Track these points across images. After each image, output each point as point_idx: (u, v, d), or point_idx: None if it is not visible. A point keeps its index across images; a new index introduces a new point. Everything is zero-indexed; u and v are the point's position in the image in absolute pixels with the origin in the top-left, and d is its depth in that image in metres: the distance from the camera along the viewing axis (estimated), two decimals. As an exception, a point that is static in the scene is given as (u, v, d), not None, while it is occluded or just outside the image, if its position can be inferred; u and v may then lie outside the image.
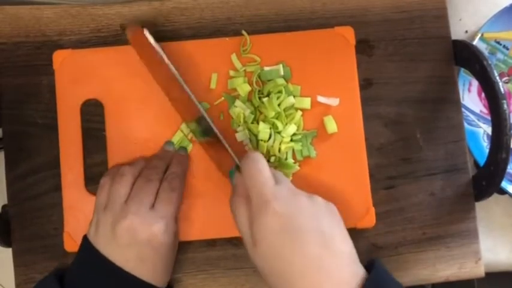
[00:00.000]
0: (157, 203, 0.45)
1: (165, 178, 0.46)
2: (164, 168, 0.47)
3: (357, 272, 0.40)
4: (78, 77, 0.51)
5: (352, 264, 0.41)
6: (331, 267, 0.39)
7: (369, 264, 0.42)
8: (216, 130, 0.46)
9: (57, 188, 0.50)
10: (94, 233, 0.44)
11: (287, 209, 0.40)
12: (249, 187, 0.42)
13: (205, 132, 0.48)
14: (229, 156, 0.46)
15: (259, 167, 0.42)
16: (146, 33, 0.48)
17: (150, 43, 0.48)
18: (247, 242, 0.42)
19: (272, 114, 0.48)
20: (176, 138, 0.50)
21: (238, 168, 0.44)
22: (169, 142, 0.50)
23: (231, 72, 0.51)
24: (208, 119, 0.47)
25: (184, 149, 0.50)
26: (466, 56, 0.50)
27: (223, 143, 0.46)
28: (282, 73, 0.50)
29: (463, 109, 0.52)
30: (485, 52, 0.55)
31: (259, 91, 0.50)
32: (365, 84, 0.51)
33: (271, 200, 0.40)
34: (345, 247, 0.41)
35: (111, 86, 0.51)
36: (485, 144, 0.55)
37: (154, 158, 0.48)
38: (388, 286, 0.41)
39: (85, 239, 0.45)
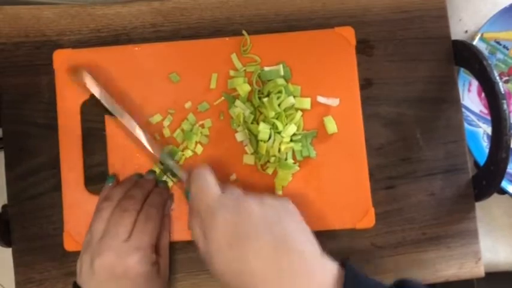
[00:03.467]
0: (133, 234, 0.44)
1: (142, 208, 0.46)
2: (142, 198, 0.46)
3: (322, 264, 0.39)
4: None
5: (313, 257, 0.39)
6: (292, 269, 0.38)
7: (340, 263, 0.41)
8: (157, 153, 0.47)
9: (57, 188, 0.50)
10: (79, 273, 0.44)
11: (234, 218, 0.39)
12: (197, 202, 0.42)
13: (169, 173, 0.48)
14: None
15: (204, 180, 0.42)
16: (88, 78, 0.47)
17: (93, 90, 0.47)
18: (207, 261, 0.41)
19: (272, 114, 0.48)
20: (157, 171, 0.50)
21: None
22: (150, 171, 0.50)
23: (231, 72, 0.51)
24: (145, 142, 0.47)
25: (165, 182, 0.49)
26: (466, 56, 0.50)
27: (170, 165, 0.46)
28: (282, 73, 0.50)
29: (463, 109, 0.52)
30: (485, 52, 0.55)
31: (259, 91, 0.50)
32: (365, 84, 0.51)
33: (217, 209, 0.40)
34: (301, 243, 0.40)
35: (111, 85, 0.51)
36: (485, 144, 0.55)
37: (133, 188, 0.47)
38: (365, 280, 0.39)
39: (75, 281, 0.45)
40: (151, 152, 0.47)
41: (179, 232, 0.49)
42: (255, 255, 0.38)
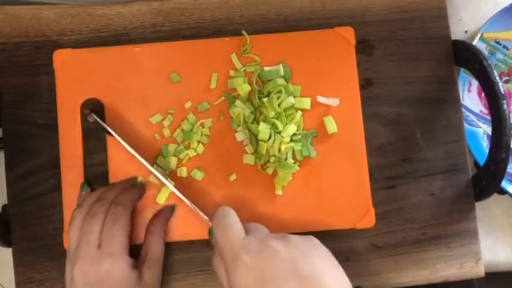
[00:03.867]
0: (102, 239, 0.43)
1: (109, 210, 0.45)
2: (112, 199, 0.46)
3: None
4: (79, 76, 0.51)
5: None
6: None
7: None
8: (186, 201, 0.47)
9: (57, 188, 0.50)
10: (65, 282, 0.44)
11: (258, 260, 0.38)
12: (221, 244, 0.41)
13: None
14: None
15: (228, 222, 0.41)
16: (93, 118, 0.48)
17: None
18: None
19: (272, 114, 0.48)
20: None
21: None
22: (134, 177, 0.49)
23: (231, 72, 0.51)
24: (174, 190, 0.47)
25: (141, 184, 0.49)
26: (466, 56, 0.50)
27: (195, 210, 0.46)
28: (282, 73, 0.50)
29: (463, 109, 0.52)
30: (485, 52, 0.55)
31: (259, 91, 0.50)
32: (365, 84, 0.51)
33: (241, 253, 0.38)
34: (332, 283, 0.38)
35: (111, 85, 0.51)
36: (485, 144, 0.55)
37: (105, 190, 0.47)
38: None
39: None
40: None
41: (179, 232, 0.49)
42: None
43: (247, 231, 0.41)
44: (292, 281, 0.37)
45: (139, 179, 0.49)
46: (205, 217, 0.46)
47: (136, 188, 0.49)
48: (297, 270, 0.37)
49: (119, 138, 0.48)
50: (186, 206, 0.48)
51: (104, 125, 0.48)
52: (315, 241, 0.41)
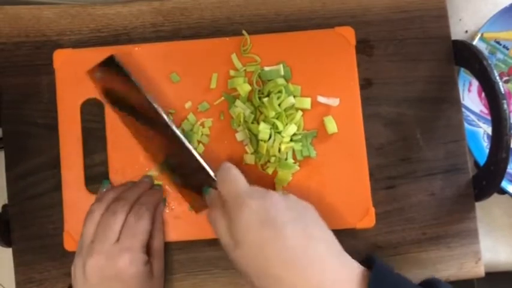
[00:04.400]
0: (122, 235, 0.44)
1: (132, 209, 0.46)
2: (133, 200, 0.47)
3: (346, 259, 0.41)
4: (79, 76, 0.51)
5: (338, 250, 0.41)
6: (315, 256, 0.39)
7: (367, 260, 0.42)
8: (192, 149, 0.47)
9: (57, 188, 0.50)
10: (73, 277, 0.44)
11: (263, 205, 0.40)
12: (225, 194, 0.43)
13: (176, 167, 0.48)
14: (199, 195, 0.46)
15: (233, 174, 0.43)
16: (118, 60, 0.48)
17: (123, 74, 0.48)
18: (229, 248, 0.41)
19: (272, 114, 0.48)
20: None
21: (211, 186, 0.46)
22: (146, 176, 0.50)
23: (231, 72, 0.51)
24: (182, 137, 0.47)
25: (159, 185, 0.50)
26: (466, 56, 0.50)
27: (198, 161, 0.47)
28: (282, 73, 0.50)
29: (463, 109, 0.52)
30: (485, 52, 0.55)
31: (259, 91, 0.50)
32: (365, 84, 0.51)
33: (246, 198, 0.41)
34: (325, 234, 0.41)
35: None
36: (485, 144, 0.55)
37: (124, 190, 0.48)
38: (393, 279, 0.40)
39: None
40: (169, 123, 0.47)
41: (179, 232, 0.49)
42: (283, 238, 0.39)
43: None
44: (294, 226, 0.39)
45: (155, 181, 0.50)
46: (210, 170, 0.46)
47: (156, 191, 0.49)
48: (296, 218, 0.40)
49: (137, 84, 0.48)
50: (186, 205, 0.49)
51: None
52: (311, 207, 0.43)
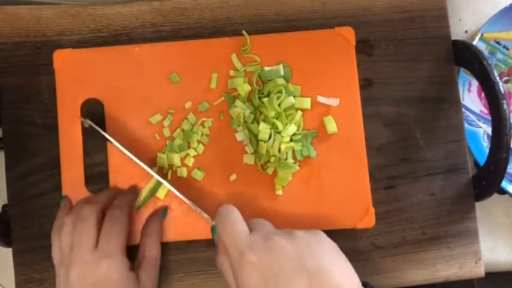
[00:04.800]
0: (99, 240, 0.43)
1: (107, 213, 0.45)
2: (102, 202, 0.46)
3: None
4: (79, 76, 0.51)
5: (350, 286, 0.38)
6: None
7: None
8: (190, 203, 0.47)
9: (57, 188, 0.50)
10: None
11: (264, 258, 0.38)
12: (225, 243, 0.40)
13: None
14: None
15: (231, 221, 0.41)
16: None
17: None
18: None
19: (272, 114, 0.48)
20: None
21: None
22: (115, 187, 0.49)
23: (231, 72, 0.51)
24: (176, 192, 0.47)
25: (134, 187, 0.49)
26: (466, 56, 0.50)
27: (196, 210, 0.46)
28: (282, 73, 0.50)
29: (463, 109, 0.52)
30: (485, 52, 0.55)
31: (259, 91, 0.50)
32: (365, 84, 0.51)
33: (246, 251, 0.38)
34: (341, 278, 0.38)
35: (111, 85, 0.51)
36: (485, 144, 0.55)
37: (91, 195, 0.48)
38: None
39: None
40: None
41: (179, 232, 0.49)
42: None
43: (251, 228, 0.41)
44: (300, 278, 0.37)
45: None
46: (207, 216, 0.46)
47: (130, 191, 0.49)
48: (304, 267, 0.37)
49: (116, 144, 0.48)
50: (185, 205, 0.48)
51: (100, 130, 0.48)
52: (322, 235, 0.41)
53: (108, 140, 0.48)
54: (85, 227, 0.44)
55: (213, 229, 0.44)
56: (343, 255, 0.40)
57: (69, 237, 0.44)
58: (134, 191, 0.49)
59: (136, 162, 0.48)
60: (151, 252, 0.47)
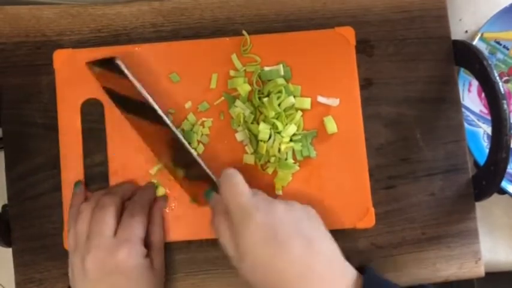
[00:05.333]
0: (119, 229, 0.44)
1: (126, 206, 0.47)
2: (122, 195, 0.47)
3: (345, 268, 0.42)
4: (79, 76, 0.51)
5: (338, 261, 0.42)
6: (317, 267, 0.40)
7: (360, 268, 0.43)
8: (194, 155, 0.47)
9: (57, 188, 0.50)
10: (71, 278, 0.45)
11: (268, 219, 0.41)
12: (228, 201, 0.42)
13: (181, 163, 0.48)
14: (204, 183, 0.46)
15: (236, 181, 0.43)
16: (120, 63, 0.47)
17: (123, 76, 0.47)
18: (234, 258, 0.42)
19: (272, 114, 0.48)
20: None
21: (214, 189, 0.46)
22: (150, 182, 0.50)
23: (231, 72, 0.51)
24: (184, 141, 0.47)
25: (151, 182, 0.50)
26: (466, 56, 0.50)
27: (200, 166, 0.47)
28: (282, 73, 0.50)
29: (463, 109, 0.52)
30: (485, 52, 0.55)
31: (259, 91, 0.50)
32: (365, 84, 0.51)
33: (253, 212, 0.41)
34: (327, 246, 0.42)
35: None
36: (485, 144, 0.55)
37: (111, 186, 0.49)
38: (385, 284, 0.43)
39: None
40: (173, 129, 0.47)
41: (179, 232, 0.49)
42: (287, 252, 0.40)
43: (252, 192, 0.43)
44: (297, 240, 0.40)
45: (154, 180, 0.50)
46: (213, 176, 0.46)
47: (149, 187, 0.49)
48: (299, 231, 0.41)
49: (134, 82, 0.47)
50: (185, 205, 0.48)
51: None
52: (313, 212, 0.44)
53: (137, 88, 0.47)
54: (105, 215, 0.44)
55: (208, 192, 0.46)
56: (328, 232, 0.44)
57: (86, 225, 0.45)
58: (152, 188, 0.49)
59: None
60: (158, 238, 0.48)
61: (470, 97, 0.56)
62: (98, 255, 0.43)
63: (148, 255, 0.45)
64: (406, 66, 0.52)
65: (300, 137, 0.49)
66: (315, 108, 0.50)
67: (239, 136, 0.50)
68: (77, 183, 0.49)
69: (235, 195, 0.42)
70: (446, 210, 0.50)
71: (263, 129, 0.48)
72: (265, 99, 0.49)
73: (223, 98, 0.51)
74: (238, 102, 0.50)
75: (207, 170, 0.47)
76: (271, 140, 0.48)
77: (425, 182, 0.51)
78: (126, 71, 0.47)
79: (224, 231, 0.42)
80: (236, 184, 0.43)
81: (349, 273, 0.41)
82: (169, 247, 0.49)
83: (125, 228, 0.44)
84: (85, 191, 0.49)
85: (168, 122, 0.47)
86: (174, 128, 0.47)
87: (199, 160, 0.47)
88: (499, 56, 0.56)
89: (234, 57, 0.51)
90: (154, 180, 0.49)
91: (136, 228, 0.45)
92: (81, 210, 0.46)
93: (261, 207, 0.41)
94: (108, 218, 0.44)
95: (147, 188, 0.49)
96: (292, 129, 0.48)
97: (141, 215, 0.46)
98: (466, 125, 0.52)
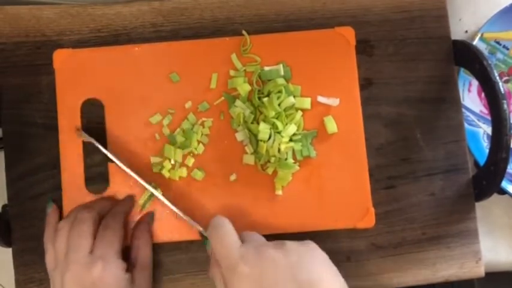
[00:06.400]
0: (94, 244, 0.44)
1: (102, 221, 0.46)
2: (100, 209, 0.47)
3: None
4: (79, 76, 0.51)
5: None
6: None
7: None
8: (180, 214, 0.47)
9: (57, 188, 0.50)
10: None
11: (255, 269, 0.38)
12: (217, 254, 0.41)
13: None
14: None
15: (223, 232, 0.41)
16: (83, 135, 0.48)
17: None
18: None
19: (272, 114, 0.48)
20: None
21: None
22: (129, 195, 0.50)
23: (231, 72, 0.51)
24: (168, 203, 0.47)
25: (130, 197, 0.49)
26: (466, 56, 0.50)
27: (189, 222, 0.47)
28: (282, 73, 0.50)
29: (463, 109, 0.52)
30: (485, 52, 0.55)
31: (259, 91, 0.50)
32: (365, 84, 0.51)
33: (238, 263, 0.39)
34: (334, 278, 0.39)
35: (111, 85, 0.51)
36: (485, 144, 0.55)
37: (88, 202, 0.48)
38: None
39: None
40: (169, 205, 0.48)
41: (179, 232, 0.49)
42: None
43: (242, 240, 0.41)
44: (289, 286, 0.37)
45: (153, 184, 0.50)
46: (199, 227, 0.46)
47: (126, 201, 0.49)
48: (295, 277, 0.37)
49: (116, 161, 0.48)
50: (186, 205, 0.48)
51: (99, 146, 0.48)
52: (313, 246, 0.41)
53: (109, 158, 0.48)
54: (82, 230, 0.44)
55: (205, 241, 0.44)
56: (333, 266, 0.40)
57: (64, 241, 0.44)
58: (130, 200, 0.49)
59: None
60: (143, 254, 0.47)
61: (470, 97, 0.56)
62: (75, 272, 0.42)
63: (128, 270, 0.45)
64: (406, 66, 0.52)
65: (300, 137, 0.49)
66: (315, 108, 0.50)
67: (239, 136, 0.50)
68: (49, 202, 0.49)
69: (222, 246, 0.40)
70: (446, 210, 0.50)
71: (263, 129, 0.48)
72: (265, 99, 0.49)
73: (223, 98, 0.51)
74: (238, 102, 0.50)
75: (195, 224, 0.46)
76: (271, 140, 0.48)
77: (425, 182, 0.51)
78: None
79: (219, 282, 0.41)
80: (223, 235, 0.41)
81: None
82: (168, 247, 0.49)
83: (99, 243, 0.44)
84: (57, 210, 0.49)
85: (150, 188, 0.48)
86: (157, 194, 0.48)
87: (183, 215, 0.47)
88: (499, 56, 0.56)
89: (233, 57, 0.51)
90: (153, 184, 0.49)
91: (110, 242, 0.44)
92: (59, 228, 0.45)
93: (247, 258, 0.39)
94: (86, 232, 0.44)
95: (124, 201, 0.49)
96: (292, 129, 0.48)
97: (114, 226, 0.45)
98: (466, 125, 0.52)
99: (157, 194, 0.48)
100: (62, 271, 0.43)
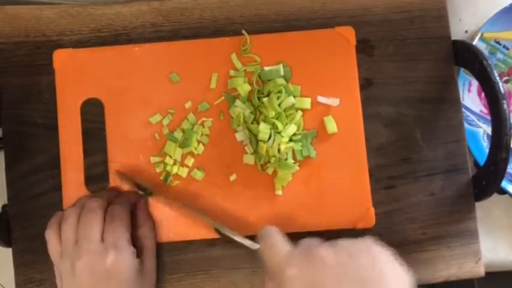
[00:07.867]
0: (104, 233, 0.44)
1: (108, 209, 0.46)
2: (106, 197, 0.47)
3: None
4: (79, 76, 0.51)
5: None
6: None
7: None
8: (230, 234, 0.46)
9: (57, 188, 0.50)
10: (59, 281, 0.45)
11: (303, 270, 0.38)
12: (268, 264, 0.41)
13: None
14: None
15: (272, 241, 0.42)
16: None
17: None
18: None
19: (272, 114, 0.48)
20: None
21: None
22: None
23: (231, 72, 0.51)
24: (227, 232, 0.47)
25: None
26: (466, 56, 0.50)
27: (240, 241, 0.46)
28: (282, 73, 0.50)
29: (463, 109, 0.52)
30: (485, 52, 0.55)
31: (259, 91, 0.50)
32: (365, 84, 0.51)
33: (285, 268, 0.39)
34: (388, 284, 0.37)
35: (111, 85, 0.51)
36: (485, 144, 0.55)
37: (97, 193, 0.49)
38: None
39: None
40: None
41: (179, 232, 0.49)
42: None
43: (295, 245, 0.41)
44: (344, 286, 0.36)
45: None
46: (250, 242, 0.45)
47: (130, 192, 0.49)
48: (346, 275, 0.37)
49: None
50: (186, 205, 0.49)
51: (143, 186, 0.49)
52: (368, 242, 0.40)
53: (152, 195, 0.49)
54: (92, 220, 0.44)
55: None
56: (392, 258, 0.39)
57: (73, 229, 0.44)
58: (133, 193, 0.50)
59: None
60: (149, 241, 0.48)
61: (470, 97, 0.56)
62: (88, 261, 0.42)
63: (138, 255, 0.45)
64: (406, 66, 0.52)
65: (300, 137, 0.49)
66: (315, 108, 0.50)
67: (239, 136, 0.50)
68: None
69: (271, 253, 0.41)
70: (446, 210, 0.50)
71: (263, 129, 0.48)
72: (265, 99, 0.49)
73: (223, 97, 0.51)
74: (238, 102, 0.50)
75: (247, 242, 0.45)
76: (271, 140, 0.48)
77: (425, 182, 0.51)
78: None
79: None
80: (273, 244, 0.42)
81: None
82: (168, 247, 0.49)
83: (110, 231, 0.44)
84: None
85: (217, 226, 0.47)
86: (217, 226, 0.47)
87: (241, 238, 0.46)
88: (499, 56, 0.56)
89: (233, 57, 0.51)
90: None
91: (120, 229, 0.45)
92: (66, 216, 0.45)
93: (295, 260, 0.39)
94: (96, 222, 0.44)
95: (128, 192, 0.49)
96: (292, 129, 0.48)
97: (121, 216, 0.46)
98: (466, 125, 0.52)
99: (232, 234, 0.46)
100: (72, 260, 0.43)
